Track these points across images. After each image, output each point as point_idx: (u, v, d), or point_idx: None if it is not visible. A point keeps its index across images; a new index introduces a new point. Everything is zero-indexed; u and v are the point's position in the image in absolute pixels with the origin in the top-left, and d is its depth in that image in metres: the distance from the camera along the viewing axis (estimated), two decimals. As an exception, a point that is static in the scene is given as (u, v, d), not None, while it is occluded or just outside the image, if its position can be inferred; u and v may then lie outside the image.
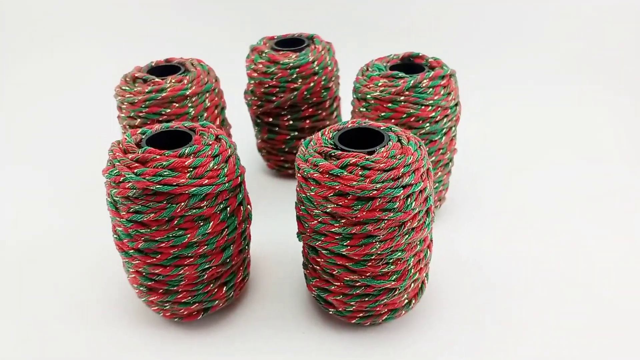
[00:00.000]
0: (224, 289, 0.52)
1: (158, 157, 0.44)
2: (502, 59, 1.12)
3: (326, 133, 0.49)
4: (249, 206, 0.52)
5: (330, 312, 0.52)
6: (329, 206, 0.44)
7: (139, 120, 0.61)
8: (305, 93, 0.68)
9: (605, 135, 0.86)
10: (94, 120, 0.96)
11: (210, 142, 0.48)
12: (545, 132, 0.88)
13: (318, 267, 0.50)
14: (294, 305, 0.56)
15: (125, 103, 0.61)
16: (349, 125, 0.49)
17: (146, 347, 0.52)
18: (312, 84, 0.68)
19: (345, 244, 0.45)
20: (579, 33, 1.12)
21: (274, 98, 0.69)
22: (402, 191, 0.43)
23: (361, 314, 0.50)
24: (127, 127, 0.63)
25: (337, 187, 0.43)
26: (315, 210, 0.45)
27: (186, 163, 0.44)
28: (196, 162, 0.45)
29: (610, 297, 0.55)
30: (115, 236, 0.49)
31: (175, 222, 0.45)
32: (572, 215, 0.67)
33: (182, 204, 0.45)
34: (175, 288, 0.50)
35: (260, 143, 0.77)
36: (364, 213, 0.43)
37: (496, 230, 0.65)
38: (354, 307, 0.49)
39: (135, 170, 0.44)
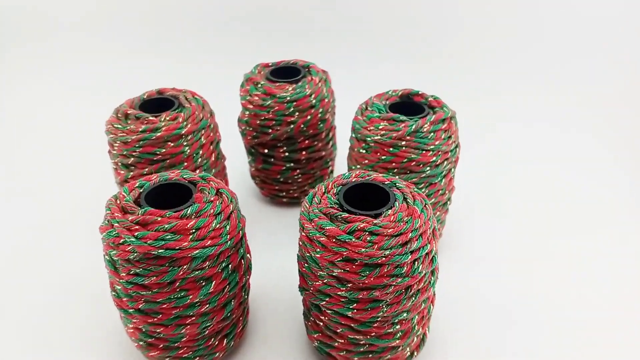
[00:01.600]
0: (225, 340, 0.51)
1: (159, 219, 0.43)
2: (493, 89, 1.12)
3: (330, 188, 0.48)
4: (248, 255, 0.51)
5: (333, 364, 0.52)
6: (335, 270, 0.43)
7: (132, 159, 0.59)
8: (302, 126, 0.67)
9: (603, 175, 0.85)
10: (83, 151, 0.93)
11: (212, 198, 0.46)
12: (540, 165, 0.87)
13: (321, 323, 0.49)
14: (294, 352, 0.55)
15: (118, 142, 0.59)
16: (353, 180, 0.48)
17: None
18: (309, 117, 0.67)
19: (351, 307, 0.44)
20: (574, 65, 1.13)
21: (270, 130, 0.68)
22: (410, 256, 0.42)
23: (364, 368, 0.50)
24: (119, 164, 0.61)
25: (344, 253, 0.42)
26: (321, 272, 0.45)
27: (188, 225, 0.43)
28: (199, 223, 0.43)
29: (612, 334, 0.56)
30: (113, 293, 0.48)
31: (177, 284, 0.44)
32: (571, 251, 0.68)
33: (185, 266, 0.43)
34: (176, 344, 0.49)
35: (254, 171, 0.75)
36: (372, 279, 0.42)
37: (495, 266, 0.66)
38: (356, 362, 0.49)
39: (136, 234, 0.42)
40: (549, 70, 1.15)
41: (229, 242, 0.46)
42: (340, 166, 0.81)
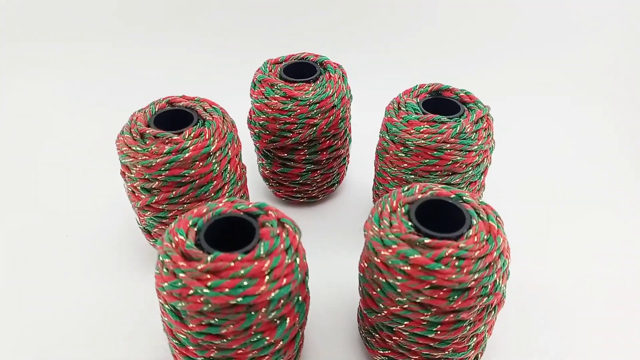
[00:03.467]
0: (290, 368, 0.49)
1: (233, 264, 0.39)
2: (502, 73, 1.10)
3: (395, 207, 0.46)
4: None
5: (398, 376, 0.51)
6: (419, 297, 0.42)
7: (156, 182, 0.54)
8: (325, 127, 0.64)
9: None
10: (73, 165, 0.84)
11: (277, 231, 0.43)
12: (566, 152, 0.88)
13: (390, 342, 0.48)
14: (352, 364, 0.55)
15: (139, 165, 0.53)
16: (419, 196, 0.46)
17: None
18: (331, 118, 0.63)
19: (434, 329, 0.44)
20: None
21: (291, 135, 0.64)
22: (495, 276, 0.42)
23: (434, 378, 0.50)
24: (139, 189, 0.55)
25: (432, 281, 0.41)
26: (400, 298, 0.43)
27: (264, 268, 0.40)
28: (274, 263, 0.40)
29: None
30: (174, 341, 0.44)
31: (254, 327, 0.41)
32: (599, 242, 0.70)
33: (263, 310, 0.41)
34: (245, 383, 0.46)
35: (268, 173, 0.71)
36: (460, 303, 0.41)
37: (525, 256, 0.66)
38: (428, 374, 0.49)
39: (209, 284, 0.39)
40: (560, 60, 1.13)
41: (300, 275, 0.43)
42: (354, 157, 0.78)
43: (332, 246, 0.68)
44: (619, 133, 0.93)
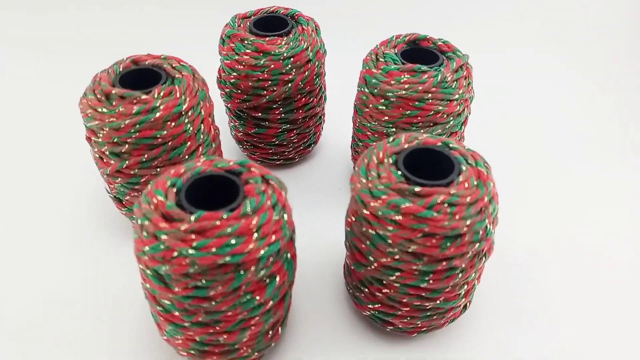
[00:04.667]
0: (280, 328, 0.48)
1: (219, 223, 0.37)
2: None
3: (382, 158, 0.44)
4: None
5: (388, 330, 0.51)
6: (411, 246, 0.41)
7: (126, 146, 0.51)
8: (300, 84, 0.61)
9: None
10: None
11: (263, 188, 0.41)
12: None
13: (380, 295, 0.47)
14: (341, 323, 0.54)
15: (106, 128, 0.49)
16: (406, 146, 0.45)
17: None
18: (306, 73, 0.61)
19: (426, 279, 0.43)
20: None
21: (265, 92, 0.61)
22: (487, 221, 0.41)
23: (424, 329, 0.50)
24: (108, 154, 0.52)
25: (425, 229, 0.40)
26: (391, 249, 0.42)
27: (252, 225, 0.38)
28: (261, 220, 0.38)
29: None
30: (158, 307, 0.42)
31: (243, 288, 0.40)
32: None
33: (252, 269, 0.39)
34: (235, 347, 0.45)
35: (241, 136, 0.69)
36: (452, 250, 0.41)
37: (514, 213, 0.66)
38: (418, 325, 0.49)
39: (194, 244, 0.37)
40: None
41: (288, 232, 0.41)
42: (330, 120, 0.76)
43: (312, 207, 0.67)
44: (602, 88, 0.94)
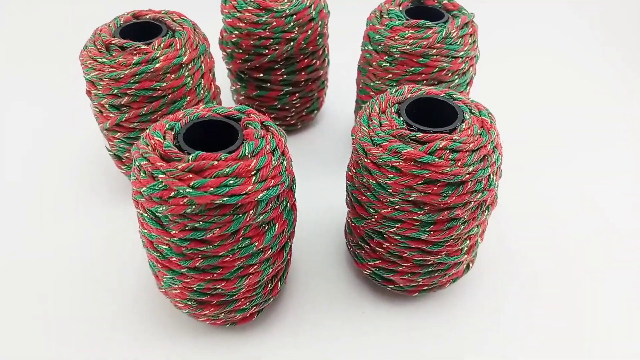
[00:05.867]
0: (279, 284, 0.48)
1: (216, 162, 0.37)
2: None
3: (384, 107, 0.43)
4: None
5: (389, 288, 0.50)
6: (412, 194, 0.40)
7: (126, 98, 0.50)
8: (303, 43, 0.60)
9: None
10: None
11: (262, 133, 0.40)
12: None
13: (381, 250, 0.47)
14: (342, 283, 0.53)
15: (106, 79, 0.49)
16: (409, 96, 0.44)
17: (194, 356, 0.47)
18: (309, 32, 0.60)
19: (427, 229, 0.42)
20: None
21: (267, 51, 0.60)
22: (489, 170, 0.40)
23: (425, 287, 0.49)
24: (107, 107, 0.51)
25: (426, 176, 0.39)
26: (392, 198, 0.42)
27: (250, 167, 0.37)
28: (260, 163, 0.38)
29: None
30: (155, 254, 0.42)
31: (242, 232, 0.39)
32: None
33: (251, 212, 0.38)
34: (233, 297, 0.44)
35: (243, 99, 0.68)
36: (454, 198, 0.40)
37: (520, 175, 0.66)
38: (419, 283, 0.48)
39: (192, 183, 0.36)
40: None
41: (288, 179, 0.41)
42: (333, 84, 0.76)
43: (314, 174, 0.66)
44: (612, 44, 0.93)
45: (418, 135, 0.40)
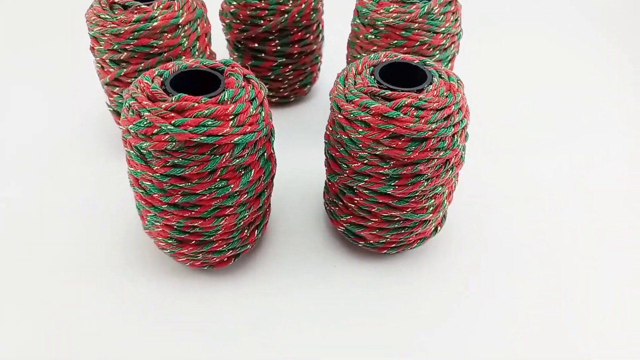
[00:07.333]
0: (255, 232, 0.51)
1: (197, 104, 0.40)
2: None
3: (361, 69, 0.47)
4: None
5: (360, 245, 0.53)
6: (379, 148, 0.43)
7: (125, 53, 0.54)
8: (296, 16, 0.64)
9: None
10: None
11: (243, 84, 0.44)
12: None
13: (353, 205, 0.50)
14: (318, 239, 0.57)
15: (107, 34, 0.53)
16: (384, 60, 0.47)
17: (173, 296, 0.50)
18: (303, 6, 0.63)
19: (392, 184, 0.45)
20: None
21: (262, 22, 0.64)
22: (452, 130, 0.43)
23: (393, 245, 0.52)
24: (108, 62, 0.55)
25: (391, 130, 0.42)
26: (361, 153, 0.45)
27: (228, 111, 0.41)
28: (238, 108, 0.41)
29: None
30: (140, 190, 0.45)
31: (218, 173, 0.43)
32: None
33: (227, 154, 0.42)
34: (210, 238, 0.48)
35: (239, 70, 0.71)
36: (417, 154, 0.43)
37: (498, 153, 0.69)
38: (387, 239, 0.51)
39: (174, 121, 0.39)
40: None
41: (265, 129, 0.44)
42: (327, 62, 0.79)
43: (303, 145, 0.69)
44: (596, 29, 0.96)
45: (387, 93, 0.43)
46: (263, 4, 0.62)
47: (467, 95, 0.49)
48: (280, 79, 0.70)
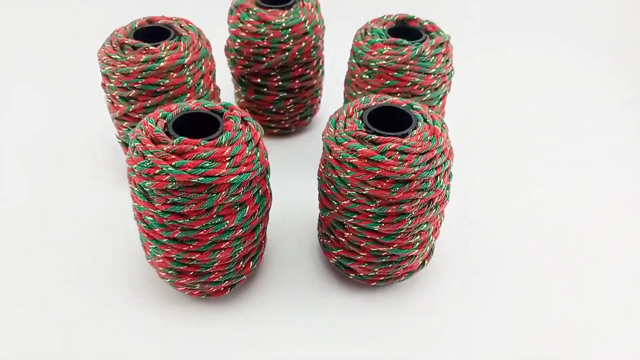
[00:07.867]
0: (251, 263, 0.54)
1: (196, 147, 0.43)
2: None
3: (351, 112, 0.50)
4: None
5: (351, 277, 0.56)
6: (366, 189, 0.46)
7: (133, 91, 0.57)
8: (297, 53, 0.67)
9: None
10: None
11: (240, 126, 0.47)
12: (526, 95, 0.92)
13: (343, 239, 0.53)
14: (311, 270, 0.59)
15: (117, 73, 0.56)
16: (373, 104, 0.50)
17: (172, 323, 0.53)
18: (303, 44, 0.67)
19: (379, 221, 0.48)
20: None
21: (264, 59, 0.67)
22: (435, 172, 0.46)
23: (382, 278, 0.55)
24: (117, 98, 0.59)
25: (377, 172, 0.45)
26: (350, 192, 0.48)
27: (225, 153, 0.44)
28: (234, 150, 0.44)
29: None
30: (142, 224, 0.48)
31: (215, 210, 0.46)
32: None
33: (223, 193, 0.45)
34: (208, 270, 0.51)
35: (243, 102, 0.75)
36: (401, 194, 0.46)
37: (488, 182, 0.71)
38: (376, 273, 0.54)
39: (174, 163, 0.43)
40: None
41: (260, 168, 0.47)
42: (328, 95, 0.82)
43: (302, 175, 0.71)
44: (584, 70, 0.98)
45: (373, 137, 0.46)
46: (265, 43, 0.65)
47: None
48: (281, 111, 0.74)
